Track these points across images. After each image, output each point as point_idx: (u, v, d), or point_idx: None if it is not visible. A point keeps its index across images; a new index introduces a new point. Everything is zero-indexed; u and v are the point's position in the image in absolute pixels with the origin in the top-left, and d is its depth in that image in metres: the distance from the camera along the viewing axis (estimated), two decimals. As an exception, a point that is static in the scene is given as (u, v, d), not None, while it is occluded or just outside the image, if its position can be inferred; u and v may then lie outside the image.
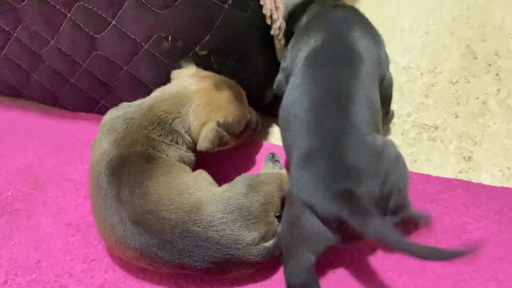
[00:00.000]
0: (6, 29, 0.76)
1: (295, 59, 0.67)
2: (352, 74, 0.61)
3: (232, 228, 0.55)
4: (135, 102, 0.65)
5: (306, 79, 0.62)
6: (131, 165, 0.59)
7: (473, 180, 0.68)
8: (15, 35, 0.77)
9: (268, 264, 0.59)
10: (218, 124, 0.63)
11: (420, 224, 0.58)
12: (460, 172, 0.70)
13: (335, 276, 0.59)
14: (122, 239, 0.56)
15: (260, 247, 0.57)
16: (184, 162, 0.64)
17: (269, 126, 0.83)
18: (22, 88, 0.87)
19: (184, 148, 0.64)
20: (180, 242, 0.54)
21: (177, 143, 0.63)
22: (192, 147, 0.65)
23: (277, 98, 0.68)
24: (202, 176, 0.63)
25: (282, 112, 0.63)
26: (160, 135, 0.62)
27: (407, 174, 0.57)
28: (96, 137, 0.63)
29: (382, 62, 0.67)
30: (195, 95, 0.63)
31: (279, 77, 0.73)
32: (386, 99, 0.69)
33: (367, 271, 0.59)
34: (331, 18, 0.69)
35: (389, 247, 0.55)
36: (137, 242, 0.55)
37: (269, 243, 0.58)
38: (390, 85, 0.70)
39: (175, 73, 0.68)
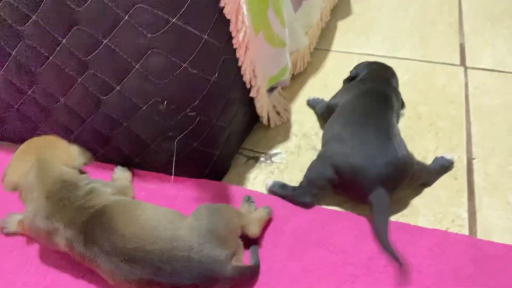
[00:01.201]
0: (22, 88, 0.89)
1: (339, 100, 0.96)
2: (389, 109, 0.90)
3: (208, 247, 0.67)
4: None
5: (352, 107, 0.91)
6: (93, 227, 0.69)
7: (411, 223, 0.82)
8: (29, 92, 0.90)
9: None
10: None
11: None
12: (401, 216, 0.84)
13: None
14: (122, 277, 0.67)
15: (233, 264, 0.69)
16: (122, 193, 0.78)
17: (247, 173, 0.97)
18: (30, 137, 0.98)
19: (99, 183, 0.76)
20: (169, 266, 0.65)
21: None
22: None
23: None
24: (164, 210, 0.74)
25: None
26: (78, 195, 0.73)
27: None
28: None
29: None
30: None
31: (323, 109, 1.04)
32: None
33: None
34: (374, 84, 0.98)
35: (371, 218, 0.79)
36: (135, 275, 0.66)
37: (240, 262, 0.71)
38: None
39: None
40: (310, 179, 0.85)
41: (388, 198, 0.77)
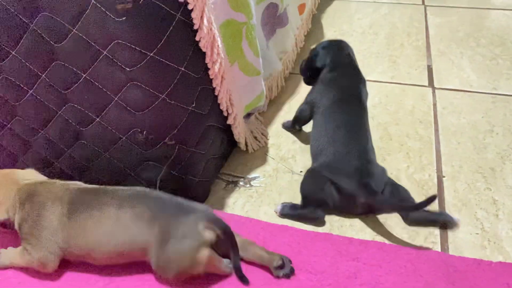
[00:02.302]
0: (2, 121, 0.90)
1: (318, 102, 1.02)
2: (363, 114, 0.99)
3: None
4: None
5: (335, 112, 0.98)
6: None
7: (386, 241, 0.85)
8: (8, 125, 0.91)
9: None
10: None
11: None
12: (376, 235, 0.87)
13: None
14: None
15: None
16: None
17: (226, 197, 0.99)
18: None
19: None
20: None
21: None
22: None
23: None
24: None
25: (317, 133, 0.98)
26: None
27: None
28: None
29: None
30: None
31: (303, 107, 1.08)
32: None
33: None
34: (348, 77, 1.06)
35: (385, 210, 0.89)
36: None
37: None
38: None
39: None
40: (312, 198, 0.90)
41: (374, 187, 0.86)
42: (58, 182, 0.81)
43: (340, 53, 1.10)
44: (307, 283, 0.77)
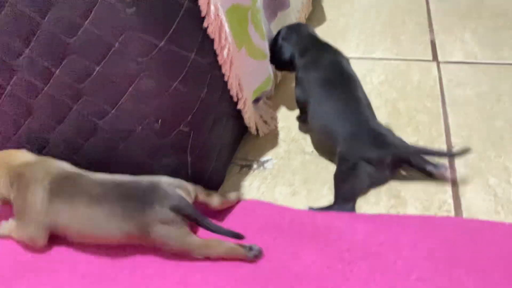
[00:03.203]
0: (19, 119, 0.92)
1: (309, 85, 1.03)
2: (355, 86, 1.00)
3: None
4: None
5: (328, 95, 0.98)
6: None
7: (401, 213, 0.87)
8: (25, 123, 0.93)
9: None
10: None
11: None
12: (391, 207, 0.89)
13: None
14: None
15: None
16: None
17: (241, 181, 1.01)
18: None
19: None
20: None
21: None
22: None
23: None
24: None
25: (318, 120, 1.00)
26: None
27: None
28: None
29: None
30: None
31: (298, 92, 1.07)
32: None
33: None
34: (328, 60, 1.05)
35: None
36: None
37: None
38: None
39: None
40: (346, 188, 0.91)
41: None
42: (43, 163, 0.86)
43: (302, 36, 1.11)
44: (326, 253, 0.79)
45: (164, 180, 0.80)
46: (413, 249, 0.77)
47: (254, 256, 0.78)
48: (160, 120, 0.83)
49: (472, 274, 0.73)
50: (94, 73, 0.80)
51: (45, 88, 0.85)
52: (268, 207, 0.89)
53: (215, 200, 0.86)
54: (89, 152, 0.93)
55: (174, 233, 0.76)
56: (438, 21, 1.54)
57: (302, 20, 1.50)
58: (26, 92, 0.87)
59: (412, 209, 0.88)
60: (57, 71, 0.82)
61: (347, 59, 1.07)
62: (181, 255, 0.79)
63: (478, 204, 0.87)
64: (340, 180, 0.91)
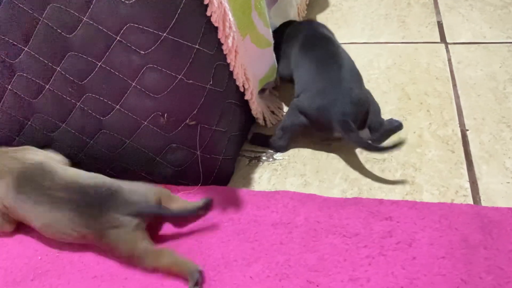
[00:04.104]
0: (22, 119, 0.91)
1: (290, 51, 1.07)
2: (335, 45, 1.03)
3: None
4: None
5: (308, 57, 1.01)
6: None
7: (417, 200, 0.85)
8: (29, 123, 0.91)
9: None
10: None
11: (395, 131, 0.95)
12: (406, 194, 0.87)
13: None
14: None
15: None
16: None
17: (251, 173, 0.99)
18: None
19: None
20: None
21: None
22: None
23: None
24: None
25: (301, 75, 1.02)
26: None
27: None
28: None
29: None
30: None
31: (280, 68, 1.10)
32: None
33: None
34: (307, 25, 1.14)
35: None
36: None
37: None
38: None
39: None
40: (284, 126, 0.99)
41: (352, 125, 0.89)
42: (12, 153, 0.88)
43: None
44: (343, 246, 0.77)
45: (125, 186, 0.80)
46: (431, 248, 0.75)
47: (195, 281, 0.74)
48: (166, 115, 0.81)
49: (492, 272, 0.70)
50: (96, 69, 0.78)
51: (47, 87, 0.83)
52: (282, 203, 0.87)
53: (174, 206, 0.84)
54: (94, 150, 0.91)
55: (125, 237, 0.76)
56: (444, 2, 1.50)
57: (303, 7, 1.46)
58: (28, 91, 0.85)
59: (428, 195, 0.85)
60: (59, 68, 0.80)
61: (323, 25, 1.14)
62: (132, 262, 0.79)
63: (496, 188, 0.85)
64: (286, 116, 1.00)
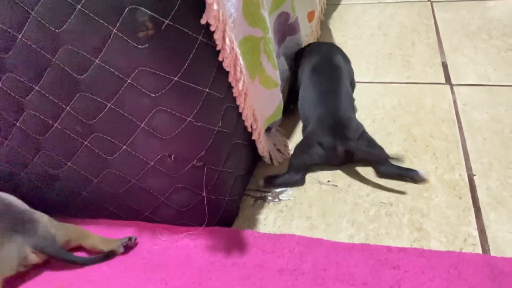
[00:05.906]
0: (28, 155, 0.90)
1: (301, 71, 1.18)
2: (338, 78, 1.12)
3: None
4: None
5: (312, 82, 1.11)
6: None
7: (425, 247, 0.83)
8: (35, 159, 0.91)
9: None
10: None
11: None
12: (414, 241, 0.86)
13: None
14: None
15: None
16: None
17: (256, 214, 0.98)
18: (36, 202, 0.99)
19: None
20: None
21: None
22: None
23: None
24: None
25: (301, 103, 1.14)
26: None
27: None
28: None
29: (351, 72, 1.23)
30: None
31: (291, 82, 1.24)
32: (352, 86, 1.22)
33: None
34: (322, 48, 1.25)
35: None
36: None
37: None
38: (354, 81, 1.26)
39: None
40: (297, 160, 1.04)
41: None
42: None
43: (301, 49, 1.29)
44: (351, 296, 0.76)
45: (43, 220, 0.85)
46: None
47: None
48: (173, 156, 0.81)
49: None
50: (106, 110, 0.78)
51: (55, 125, 0.83)
52: (288, 248, 0.85)
53: (88, 244, 0.89)
54: (100, 189, 0.91)
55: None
56: (448, 42, 1.52)
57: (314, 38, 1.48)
58: (36, 129, 0.85)
59: (436, 243, 0.84)
60: (68, 108, 0.80)
61: (341, 51, 1.24)
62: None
63: (505, 236, 0.84)
64: (295, 153, 1.05)
